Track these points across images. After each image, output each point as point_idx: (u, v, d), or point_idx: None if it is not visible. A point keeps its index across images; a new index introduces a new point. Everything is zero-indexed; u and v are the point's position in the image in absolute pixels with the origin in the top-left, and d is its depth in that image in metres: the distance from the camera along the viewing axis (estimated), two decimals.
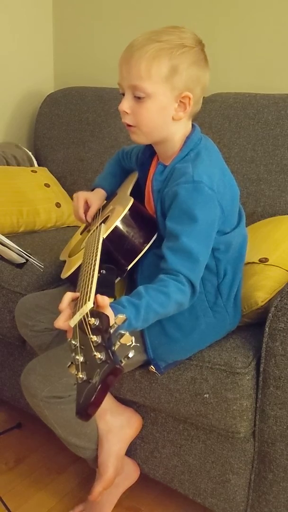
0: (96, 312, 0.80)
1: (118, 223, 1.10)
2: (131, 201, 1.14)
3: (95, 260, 0.96)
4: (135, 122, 1.07)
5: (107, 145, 1.93)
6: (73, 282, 1.15)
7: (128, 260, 1.11)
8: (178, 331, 1.12)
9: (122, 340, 0.77)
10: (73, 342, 0.76)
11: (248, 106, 1.66)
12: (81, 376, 0.70)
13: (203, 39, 1.08)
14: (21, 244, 1.18)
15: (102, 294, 0.87)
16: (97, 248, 1.02)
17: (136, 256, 1.11)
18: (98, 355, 0.70)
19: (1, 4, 2.01)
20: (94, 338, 0.73)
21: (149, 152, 1.20)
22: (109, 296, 0.98)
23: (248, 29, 1.77)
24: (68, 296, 0.91)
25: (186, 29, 1.06)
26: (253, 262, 1.27)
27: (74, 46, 2.21)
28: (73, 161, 2.02)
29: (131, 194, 1.21)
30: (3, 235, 1.09)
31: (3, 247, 1.08)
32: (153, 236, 1.13)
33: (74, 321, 0.81)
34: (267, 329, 1.09)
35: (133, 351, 0.77)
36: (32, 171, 1.94)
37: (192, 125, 1.13)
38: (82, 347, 0.74)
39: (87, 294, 0.84)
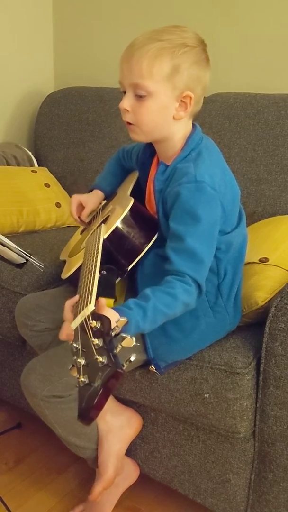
0: (97, 315, 0.79)
1: (118, 223, 1.10)
2: (132, 201, 1.14)
3: (96, 261, 0.96)
4: (135, 121, 1.07)
5: (107, 145, 1.93)
6: (73, 282, 1.15)
7: (129, 260, 1.11)
8: (178, 331, 1.12)
9: (124, 343, 0.77)
10: (75, 345, 0.76)
11: (248, 106, 1.66)
12: (83, 379, 0.70)
13: (203, 39, 1.08)
14: (21, 244, 1.18)
15: (102, 295, 0.87)
16: (98, 249, 1.01)
17: (137, 256, 1.11)
18: (100, 358, 0.70)
19: (1, 4, 2.00)
20: (96, 341, 0.73)
21: (149, 151, 1.20)
22: (109, 297, 0.98)
23: (248, 29, 1.77)
24: (68, 304, 0.92)
25: (188, 28, 1.06)
26: (253, 262, 1.27)
27: (74, 46, 2.21)
28: (73, 161, 2.02)
29: (132, 194, 1.21)
30: (3, 235, 1.09)
31: (3, 247, 1.08)
32: (153, 236, 1.13)
33: (75, 324, 0.81)
34: (267, 329, 1.09)
35: (134, 354, 0.77)
36: (32, 171, 1.94)
37: (193, 125, 1.13)
38: (84, 350, 0.74)
39: (88, 296, 0.84)
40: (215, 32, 1.81)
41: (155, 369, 1.16)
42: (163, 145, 1.12)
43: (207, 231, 1.03)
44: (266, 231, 1.41)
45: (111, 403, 1.27)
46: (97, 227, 1.15)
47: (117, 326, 0.80)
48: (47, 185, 1.90)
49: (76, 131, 2.02)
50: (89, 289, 0.86)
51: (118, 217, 1.11)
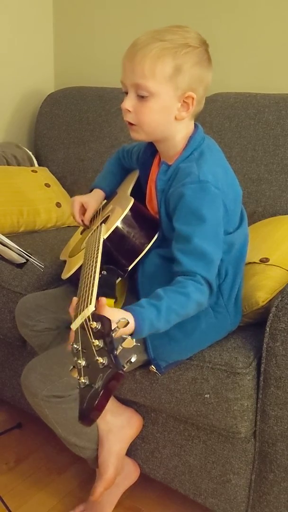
0: (97, 315, 0.79)
1: (118, 223, 1.10)
2: (132, 201, 1.14)
3: (96, 262, 0.96)
4: (137, 121, 1.07)
5: (108, 145, 1.93)
6: (73, 282, 1.15)
7: (129, 260, 1.10)
8: (179, 331, 1.12)
9: (124, 344, 0.77)
10: (75, 346, 0.76)
11: (249, 106, 1.66)
12: (83, 380, 0.70)
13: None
14: (21, 244, 1.18)
15: (102, 295, 0.87)
16: (98, 249, 1.01)
17: (137, 256, 1.11)
18: (100, 359, 0.70)
19: (1, 4, 2.00)
20: (96, 342, 0.73)
21: (150, 151, 1.19)
22: (110, 297, 0.98)
23: (248, 29, 1.77)
24: (75, 300, 0.92)
25: (190, 28, 1.06)
26: (254, 262, 1.27)
27: (75, 46, 2.21)
28: (74, 161, 2.02)
29: (132, 194, 1.21)
30: (3, 235, 1.09)
31: (3, 247, 1.08)
32: (153, 236, 1.12)
33: (75, 325, 0.81)
34: (268, 329, 1.09)
35: (135, 355, 0.76)
36: (32, 171, 1.94)
37: (195, 125, 1.13)
38: (84, 351, 0.74)
39: (88, 297, 0.84)
40: (216, 32, 1.80)
41: (156, 369, 1.16)
42: (165, 145, 1.12)
43: (213, 230, 1.03)
44: (266, 231, 1.41)
45: (111, 403, 1.27)
46: (97, 227, 1.15)
47: (117, 327, 0.80)
48: (47, 185, 1.90)
49: (77, 131, 2.02)
50: (89, 290, 0.86)
51: (118, 217, 1.11)
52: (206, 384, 1.14)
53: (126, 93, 1.07)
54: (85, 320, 0.79)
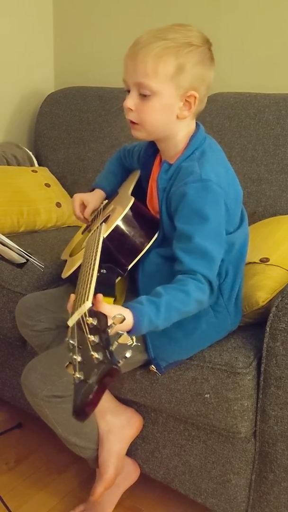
0: (94, 311, 0.79)
1: (118, 222, 1.10)
2: (132, 200, 1.14)
3: (95, 259, 0.96)
4: (139, 120, 1.07)
5: (108, 144, 1.93)
6: (73, 281, 1.15)
7: (129, 259, 1.10)
8: (179, 331, 1.12)
9: (120, 340, 0.77)
10: (71, 341, 0.76)
11: (249, 106, 1.66)
12: (78, 376, 0.70)
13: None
14: (21, 244, 1.18)
15: (102, 293, 0.87)
16: (97, 247, 1.01)
17: (137, 256, 1.11)
18: (95, 355, 0.70)
19: (1, 4, 2.00)
20: (92, 338, 0.73)
21: (151, 150, 1.19)
22: (109, 295, 0.98)
23: (249, 28, 1.77)
24: (73, 297, 0.92)
25: (192, 27, 1.06)
26: (254, 262, 1.27)
27: (75, 46, 2.21)
28: (74, 160, 2.02)
29: (133, 193, 1.21)
30: (3, 235, 1.09)
31: (4, 247, 1.08)
32: (153, 236, 1.12)
33: (72, 321, 0.81)
34: (268, 329, 1.09)
35: (130, 351, 0.76)
36: (32, 171, 1.94)
37: (196, 124, 1.13)
38: (80, 346, 0.74)
39: (85, 293, 0.84)
40: (216, 31, 1.80)
41: (156, 369, 1.16)
42: (166, 144, 1.12)
43: (216, 229, 1.03)
44: (266, 231, 1.41)
45: (111, 403, 1.27)
46: (98, 226, 1.15)
47: (113, 323, 0.80)
48: (47, 185, 1.90)
49: (77, 130, 2.02)
50: (87, 287, 0.86)
51: (118, 216, 1.11)
52: (206, 384, 1.14)
53: (128, 91, 1.06)
54: (82, 316, 0.79)
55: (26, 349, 1.45)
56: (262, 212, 1.59)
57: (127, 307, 0.92)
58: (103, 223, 1.14)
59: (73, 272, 1.17)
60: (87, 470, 1.42)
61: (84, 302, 0.81)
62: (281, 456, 1.13)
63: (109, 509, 1.32)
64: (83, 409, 0.67)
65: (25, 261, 1.12)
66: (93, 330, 0.75)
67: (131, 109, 1.06)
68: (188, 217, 1.03)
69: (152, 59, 1.01)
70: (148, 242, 1.12)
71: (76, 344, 0.75)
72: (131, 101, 1.05)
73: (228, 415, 1.13)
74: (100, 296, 0.87)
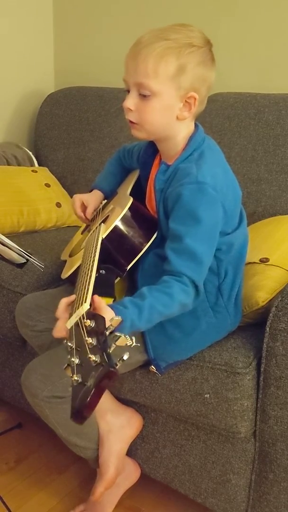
0: (92, 314, 0.79)
1: (117, 222, 1.10)
2: (130, 200, 1.14)
3: (93, 260, 0.96)
4: (139, 120, 1.06)
5: (108, 144, 1.93)
6: (73, 282, 1.15)
7: (128, 260, 1.10)
8: (178, 331, 1.12)
9: (118, 343, 0.77)
10: (69, 344, 0.76)
11: (249, 106, 1.66)
12: (76, 378, 0.70)
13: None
14: (21, 244, 1.18)
15: (101, 294, 0.87)
16: (96, 248, 1.01)
17: (136, 256, 1.11)
18: (93, 357, 0.70)
19: (1, 4, 2.00)
20: (90, 340, 0.73)
21: (151, 150, 1.19)
22: (108, 296, 0.98)
23: (249, 29, 1.77)
24: (63, 302, 0.92)
25: (194, 27, 1.05)
26: (254, 262, 1.27)
27: (75, 46, 2.21)
28: (74, 161, 2.02)
29: (132, 193, 1.21)
30: (3, 235, 1.09)
31: (4, 247, 1.08)
32: (152, 236, 1.12)
33: (70, 323, 0.81)
34: (267, 329, 1.09)
35: (127, 353, 0.76)
36: (32, 171, 1.94)
37: (196, 125, 1.12)
38: (78, 349, 0.74)
39: (84, 295, 0.84)
40: (216, 32, 1.79)
41: (156, 369, 1.16)
42: (165, 144, 1.12)
43: (208, 232, 1.03)
44: (266, 231, 1.41)
45: (111, 403, 1.27)
46: (97, 227, 1.15)
47: (111, 325, 0.80)
48: (47, 185, 1.90)
49: (77, 131, 2.02)
50: (85, 288, 0.86)
51: (117, 217, 1.11)
52: (206, 384, 1.14)
53: (128, 91, 1.06)
54: (80, 318, 0.79)
55: (26, 349, 1.45)
56: (262, 212, 1.59)
57: (112, 309, 0.91)
58: (102, 224, 1.14)
59: (72, 272, 1.17)
60: (87, 470, 1.43)
61: (82, 304, 0.81)
62: (281, 456, 1.13)
63: (109, 509, 1.32)
64: (81, 412, 0.67)
65: (25, 261, 1.12)
66: (91, 332, 0.75)
67: (131, 109, 1.06)
68: (181, 217, 1.03)
69: (153, 59, 1.01)
70: (147, 242, 1.11)
71: (74, 346, 0.75)
72: (131, 101, 1.05)
73: (228, 415, 1.13)
74: (97, 298, 0.87)
